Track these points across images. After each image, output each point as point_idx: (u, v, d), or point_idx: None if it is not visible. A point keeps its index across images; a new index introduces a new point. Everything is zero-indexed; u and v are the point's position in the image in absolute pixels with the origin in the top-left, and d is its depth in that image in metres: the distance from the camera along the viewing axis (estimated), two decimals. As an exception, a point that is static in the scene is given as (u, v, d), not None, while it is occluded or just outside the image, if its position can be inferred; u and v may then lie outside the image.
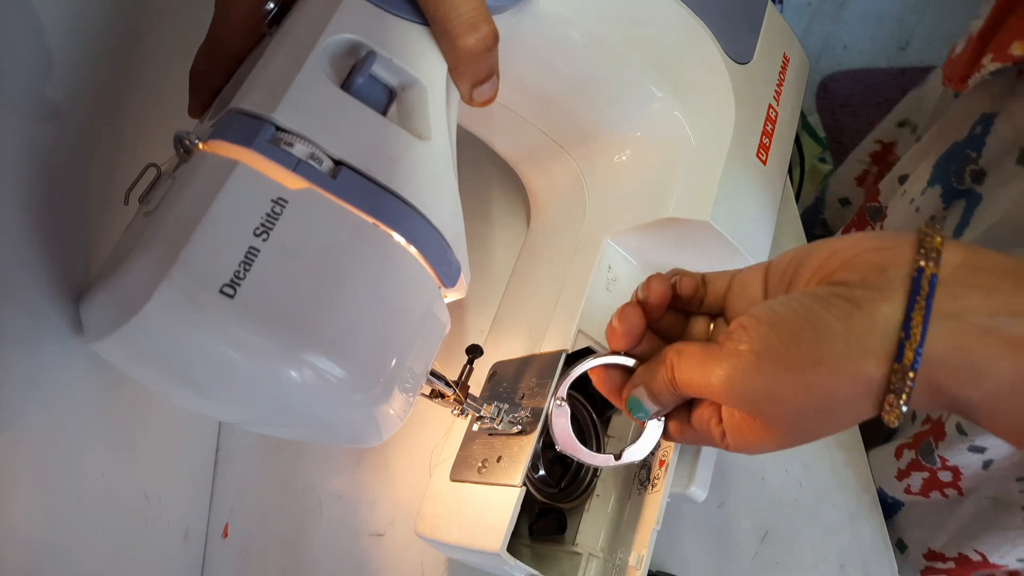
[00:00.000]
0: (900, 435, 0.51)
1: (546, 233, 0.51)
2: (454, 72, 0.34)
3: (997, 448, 0.44)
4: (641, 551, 0.38)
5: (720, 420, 0.32)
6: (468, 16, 0.32)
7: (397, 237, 0.29)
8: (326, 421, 0.30)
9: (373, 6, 0.32)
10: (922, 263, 0.26)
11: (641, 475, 0.42)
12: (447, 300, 0.33)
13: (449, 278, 0.32)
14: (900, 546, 0.51)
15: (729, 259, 0.43)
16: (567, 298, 0.44)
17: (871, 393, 0.26)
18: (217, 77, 0.35)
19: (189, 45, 0.36)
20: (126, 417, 0.41)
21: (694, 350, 0.31)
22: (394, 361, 0.29)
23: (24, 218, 0.32)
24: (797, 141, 0.56)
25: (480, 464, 0.40)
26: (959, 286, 0.26)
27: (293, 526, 0.50)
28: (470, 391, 0.38)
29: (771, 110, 0.47)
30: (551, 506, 0.42)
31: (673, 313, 0.35)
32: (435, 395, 0.37)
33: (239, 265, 0.26)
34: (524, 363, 0.43)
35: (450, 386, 0.36)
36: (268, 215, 0.27)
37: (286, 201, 0.27)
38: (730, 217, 0.41)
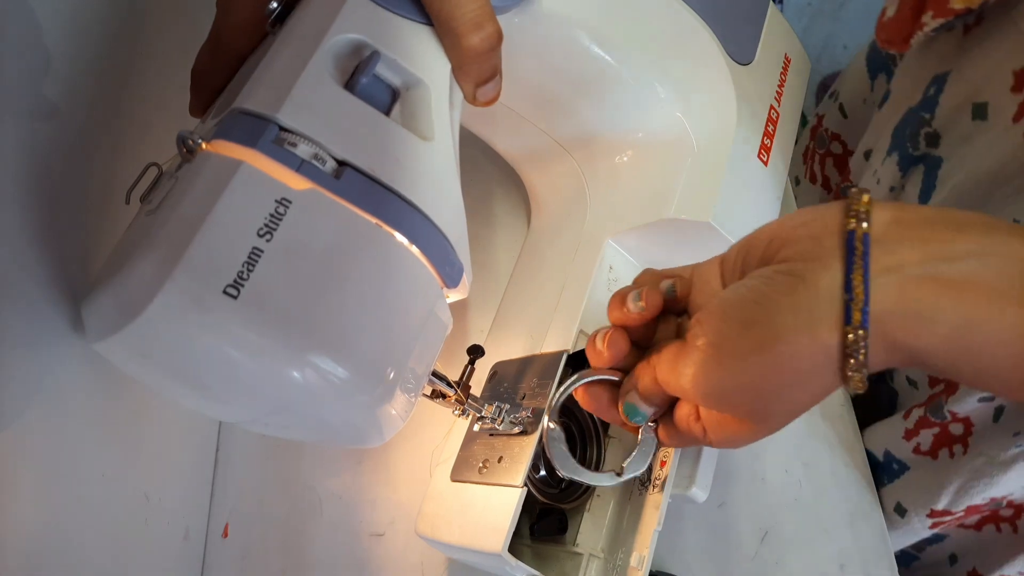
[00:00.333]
0: (908, 403, 0.50)
1: (547, 233, 0.51)
2: (458, 72, 0.34)
3: None
4: (642, 552, 0.38)
5: (698, 417, 0.32)
6: (472, 15, 0.32)
7: (400, 238, 0.29)
8: (328, 421, 0.30)
9: (377, 6, 0.32)
10: (852, 225, 0.26)
11: (642, 476, 0.42)
12: (449, 300, 0.33)
13: (452, 279, 0.32)
14: (899, 510, 0.50)
15: (730, 259, 0.43)
16: (568, 298, 0.44)
17: (831, 361, 0.26)
18: (219, 76, 0.35)
19: (190, 44, 0.36)
20: (126, 417, 0.41)
21: (669, 349, 0.31)
22: (397, 362, 0.29)
23: (24, 218, 0.32)
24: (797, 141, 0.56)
25: (481, 464, 0.40)
26: (893, 241, 0.26)
27: (293, 526, 0.50)
28: (471, 391, 0.38)
29: (772, 111, 0.47)
30: (552, 506, 0.42)
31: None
32: (436, 395, 0.37)
33: (243, 266, 0.26)
34: (525, 363, 0.43)
35: (451, 386, 0.36)
36: (272, 216, 0.27)
37: (290, 201, 0.27)
38: (732, 218, 0.41)
